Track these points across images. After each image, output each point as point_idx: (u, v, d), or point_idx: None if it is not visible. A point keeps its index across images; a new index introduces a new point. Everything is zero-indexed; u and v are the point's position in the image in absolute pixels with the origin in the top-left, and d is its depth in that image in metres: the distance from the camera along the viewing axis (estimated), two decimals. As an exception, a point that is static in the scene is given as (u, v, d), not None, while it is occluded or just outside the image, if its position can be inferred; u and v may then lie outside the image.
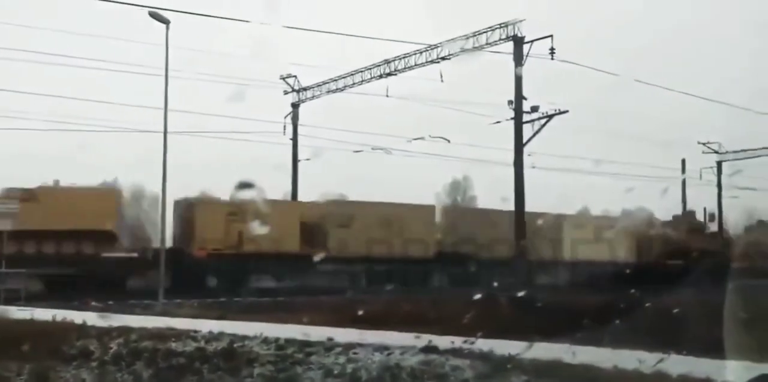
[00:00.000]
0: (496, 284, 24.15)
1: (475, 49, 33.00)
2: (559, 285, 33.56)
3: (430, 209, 39.28)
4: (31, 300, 22.32)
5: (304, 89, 41.19)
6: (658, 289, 13.45)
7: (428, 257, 35.77)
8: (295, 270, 32.30)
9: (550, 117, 32.89)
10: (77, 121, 45.03)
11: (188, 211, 32.95)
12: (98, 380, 8.47)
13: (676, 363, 8.06)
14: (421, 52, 34.90)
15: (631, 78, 38.35)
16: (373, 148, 38.12)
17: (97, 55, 51.13)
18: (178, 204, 32.95)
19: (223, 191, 32.09)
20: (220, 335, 11.00)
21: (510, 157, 31.80)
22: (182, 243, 32.43)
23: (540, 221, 34.63)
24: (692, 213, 46.92)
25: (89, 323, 12.50)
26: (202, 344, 10.44)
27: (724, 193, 51.03)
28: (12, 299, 23.18)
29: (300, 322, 13.03)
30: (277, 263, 31.90)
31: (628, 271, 35.13)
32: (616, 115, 57.37)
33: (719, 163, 51.23)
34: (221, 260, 31.28)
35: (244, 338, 10.66)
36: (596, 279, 35.08)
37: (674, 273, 29.30)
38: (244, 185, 20.19)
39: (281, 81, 41.12)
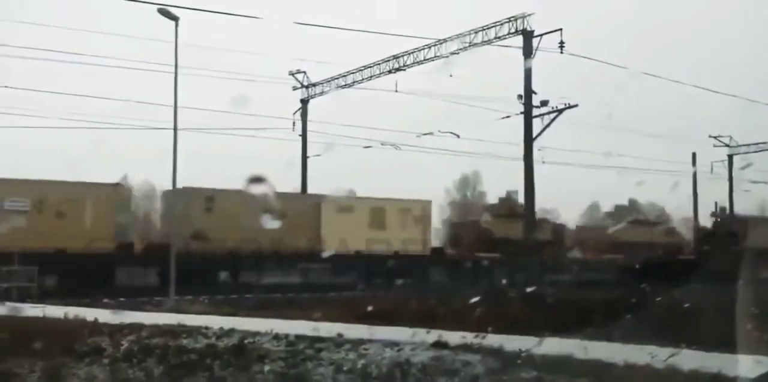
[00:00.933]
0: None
1: (483, 43, 32.85)
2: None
3: (107, 188, 29.92)
4: (44, 297, 22.42)
5: (313, 85, 41.19)
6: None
7: (106, 251, 28.25)
8: None
9: (560, 111, 32.65)
10: (90, 119, 45.24)
11: None
12: (110, 377, 8.49)
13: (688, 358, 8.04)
14: (429, 47, 34.81)
15: (640, 71, 37.92)
16: (382, 144, 38.14)
17: (108, 53, 51.15)
18: None
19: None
20: (231, 332, 11.08)
21: (520, 151, 31.69)
22: None
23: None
24: (512, 198, 42.98)
25: (101, 320, 12.59)
26: (213, 340, 10.50)
27: (735, 186, 50.83)
28: (24, 297, 23.33)
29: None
30: None
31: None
32: (625, 109, 57.13)
33: (730, 157, 50.95)
34: None
35: (255, 334, 10.74)
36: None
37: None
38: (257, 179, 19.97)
39: (290, 77, 41.21)
